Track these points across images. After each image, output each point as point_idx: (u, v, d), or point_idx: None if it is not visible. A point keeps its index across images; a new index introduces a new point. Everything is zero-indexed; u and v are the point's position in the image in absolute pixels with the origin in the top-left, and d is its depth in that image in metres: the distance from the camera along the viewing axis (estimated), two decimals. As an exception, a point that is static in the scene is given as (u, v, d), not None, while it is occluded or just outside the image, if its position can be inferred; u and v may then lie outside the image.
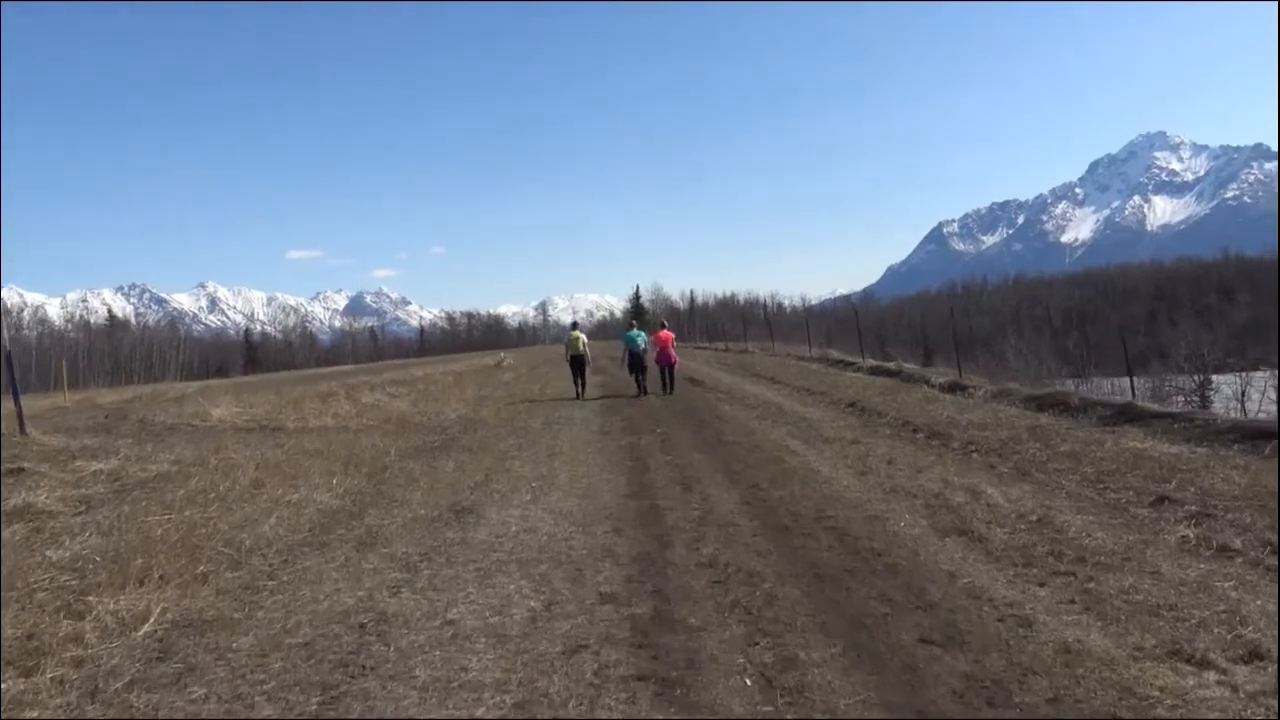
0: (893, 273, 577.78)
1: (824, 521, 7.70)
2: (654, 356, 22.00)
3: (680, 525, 7.65)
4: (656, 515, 8.07)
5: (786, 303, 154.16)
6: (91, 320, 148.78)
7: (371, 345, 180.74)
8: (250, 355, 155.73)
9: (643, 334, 22.99)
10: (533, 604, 5.56)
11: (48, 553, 6.73)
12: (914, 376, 19.91)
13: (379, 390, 23.84)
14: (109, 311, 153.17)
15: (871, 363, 24.32)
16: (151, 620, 5.16)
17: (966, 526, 7.27)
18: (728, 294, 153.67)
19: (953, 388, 17.37)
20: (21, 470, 10.39)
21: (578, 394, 21.98)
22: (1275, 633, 4.80)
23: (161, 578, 6.00)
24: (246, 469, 10.56)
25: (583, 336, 23.52)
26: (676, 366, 22.37)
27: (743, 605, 5.46)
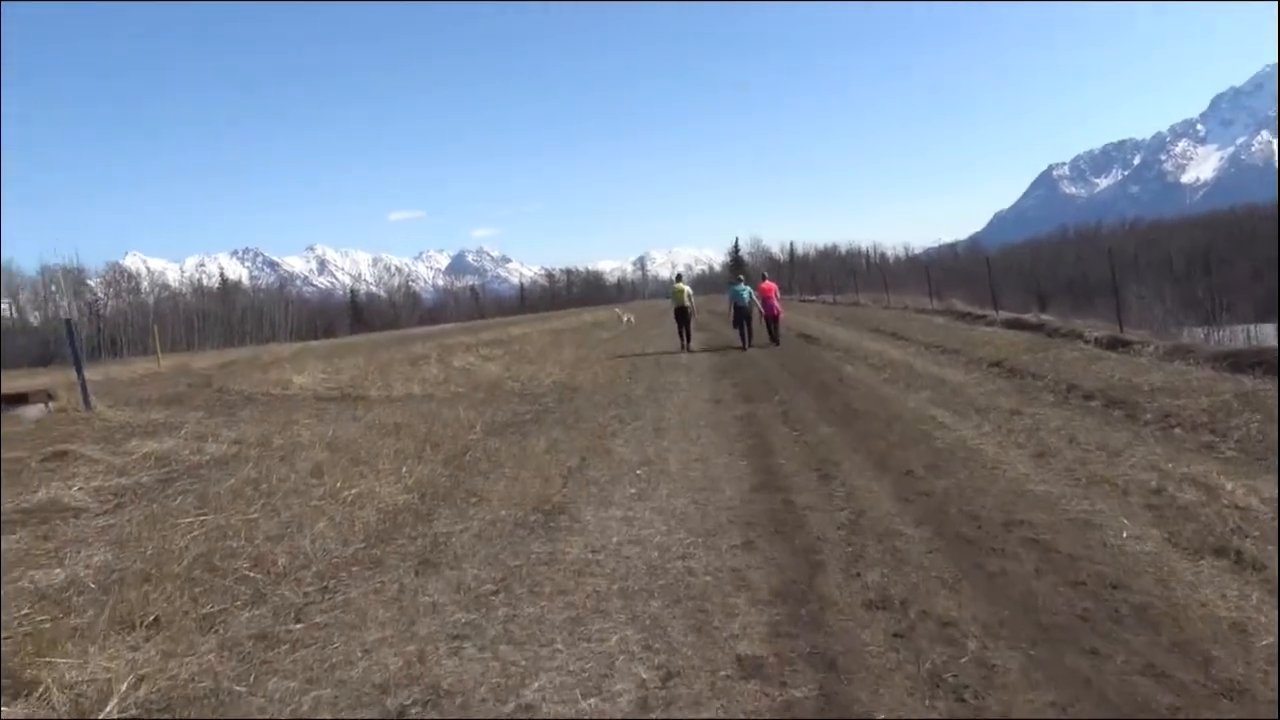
0: (1000, 219, 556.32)
1: (1015, 529, 5.87)
2: (759, 309, 22.18)
3: (827, 535, 5.92)
4: (794, 519, 6.35)
5: (890, 252, 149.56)
6: (204, 284, 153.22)
7: (472, 304, 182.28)
8: (356, 315, 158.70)
9: (748, 287, 22.92)
10: (643, 675, 3.92)
11: (36, 574, 5.40)
12: (1060, 331, 17.61)
13: (472, 352, 22.60)
14: (222, 275, 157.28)
15: (1006, 315, 21.96)
16: (113, 703, 3.69)
17: (1221, 542, 5.35)
18: (829, 245, 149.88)
19: (1113, 344, 15.11)
20: (65, 454, 9.26)
21: (683, 345, 22.74)
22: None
23: (156, 621, 4.57)
24: (311, 451, 9.22)
25: (687, 288, 24.28)
26: (781, 318, 22.58)
27: (948, 684, 3.73)
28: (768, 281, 23.24)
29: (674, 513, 6.62)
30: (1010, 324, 20.41)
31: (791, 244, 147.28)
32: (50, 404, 12.21)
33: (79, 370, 12.66)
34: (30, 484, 8.03)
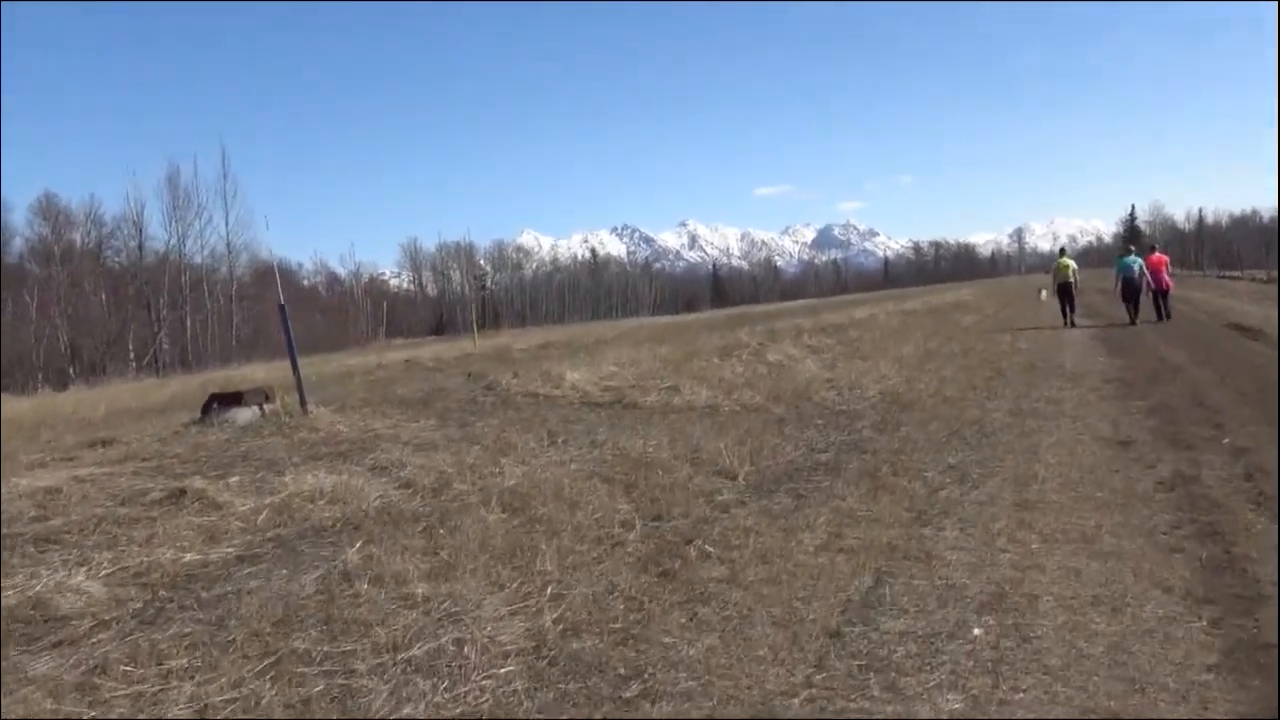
0: None
1: None
2: (1148, 282, 21.80)
3: None
4: None
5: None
6: (579, 259, 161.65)
7: (834, 278, 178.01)
8: (717, 290, 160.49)
9: (1139, 260, 22.31)
10: None
11: None
12: None
13: (797, 341, 19.04)
14: (593, 251, 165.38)
15: None
16: None
17: None
18: (1246, 211, 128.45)
19: None
20: (183, 492, 6.99)
21: (1067, 322, 22.08)
22: None
23: None
24: (484, 514, 6.22)
25: (1073, 264, 23.57)
26: (1170, 290, 22.17)
27: None
28: (1158, 254, 22.47)
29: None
30: None
31: (1200, 211, 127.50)
32: (266, 406, 10.35)
33: (294, 366, 10.72)
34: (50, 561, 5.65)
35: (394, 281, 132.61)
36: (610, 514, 6.21)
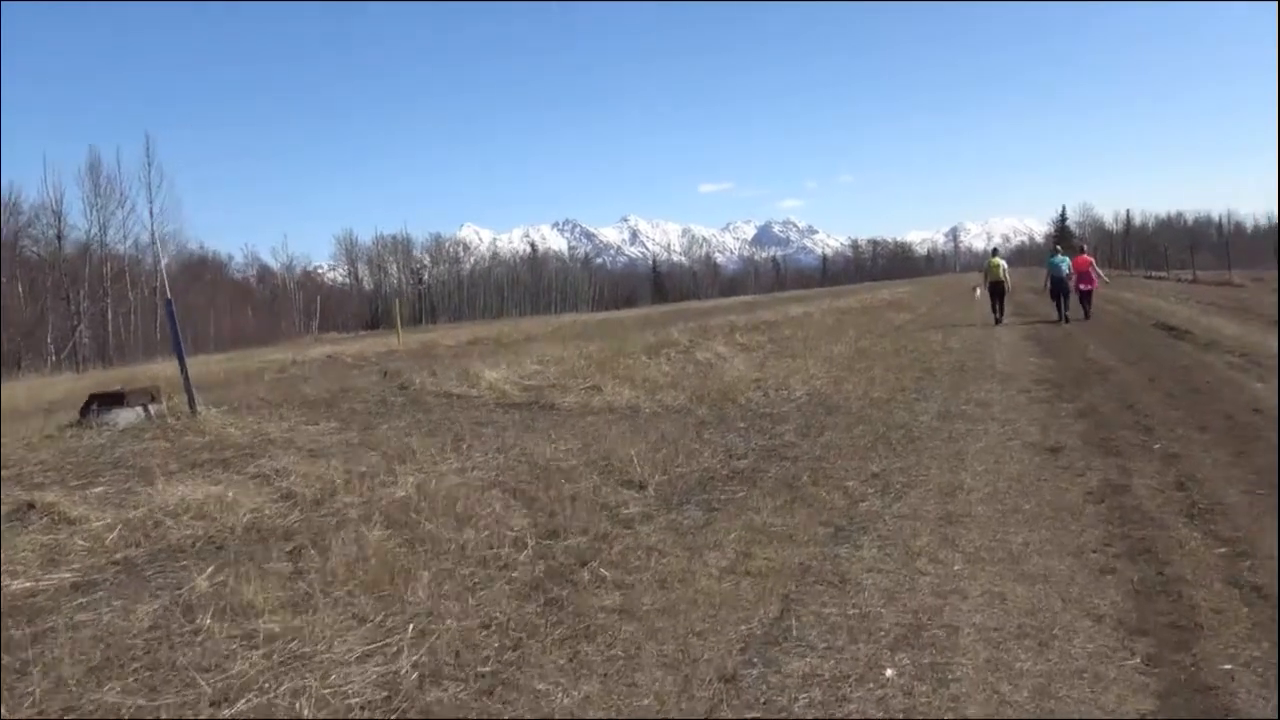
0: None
1: None
2: (1074, 282, 22.32)
3: None
4: None
5: (1248, 220, 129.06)
6: (519, 254, 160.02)
7: (774, 275, 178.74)
8: (657, 285, 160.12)
9: (1067, 259, 23.07)
10: None
11: None
12: None
13: (729, 339, 18.62)
14: (532, 246, 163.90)
15: None
16: None
17: None
18: (1171, 213, 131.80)
19: None
20: (31, 506, 6.27)
21: (998, 319, 22.58)
22: None
23: None
24: (366, 530, 5.62)
25: (1003, 263, 24.03)
26: (1095, 290, 22.83)
27: None
28: (1083, 256, 23.38)
29: None
30: None
31: (1128, 212, 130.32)
32: (152, 406, 9.58)
33: (181, 363, 9.95)
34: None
35: (331, 275, 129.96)
36: (503, 531, 5.66)
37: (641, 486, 6.83)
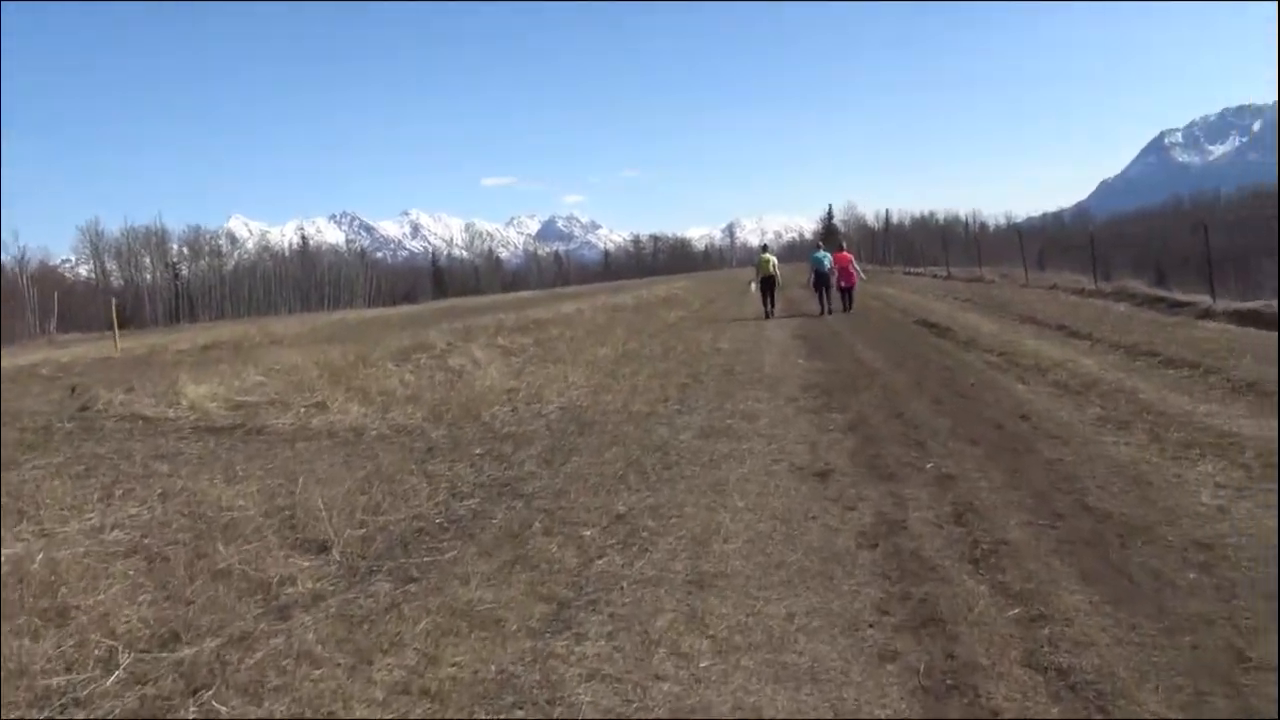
0: (1106, 187, 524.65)
1: None
2: (836, 277, 22.87)
3: None
4: None
5: (990, 221, 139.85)
6: (290, 247, 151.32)
7: (556, 270, 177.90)
8: (437, 280, 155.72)
9: (829, 255, 23.54)
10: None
11: None
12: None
13: (491, 342, 17.21)
14: (303, 239, 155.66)
15: (1233, 305, 15.58)
16: None
17: None
18: (925, 213, 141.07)
19: None
20: None
21: (769, 313, 23.05)
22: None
23: None
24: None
25: (773, 259, 24.41)
26: (855, 285, 23.43)
27: None
28: (844, 251, 23.96)
29: None
30: (1240, 317, 14.12)
31: (886, 212, 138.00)
32: None
33: None
34: None
35: (82, 269, 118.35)
36: (101, 635, 4.07)
37: (325, 548, 5.35)
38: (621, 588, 4.68)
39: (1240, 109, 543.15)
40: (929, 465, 7.03)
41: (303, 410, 10.33)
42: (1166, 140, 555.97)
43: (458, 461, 7.72)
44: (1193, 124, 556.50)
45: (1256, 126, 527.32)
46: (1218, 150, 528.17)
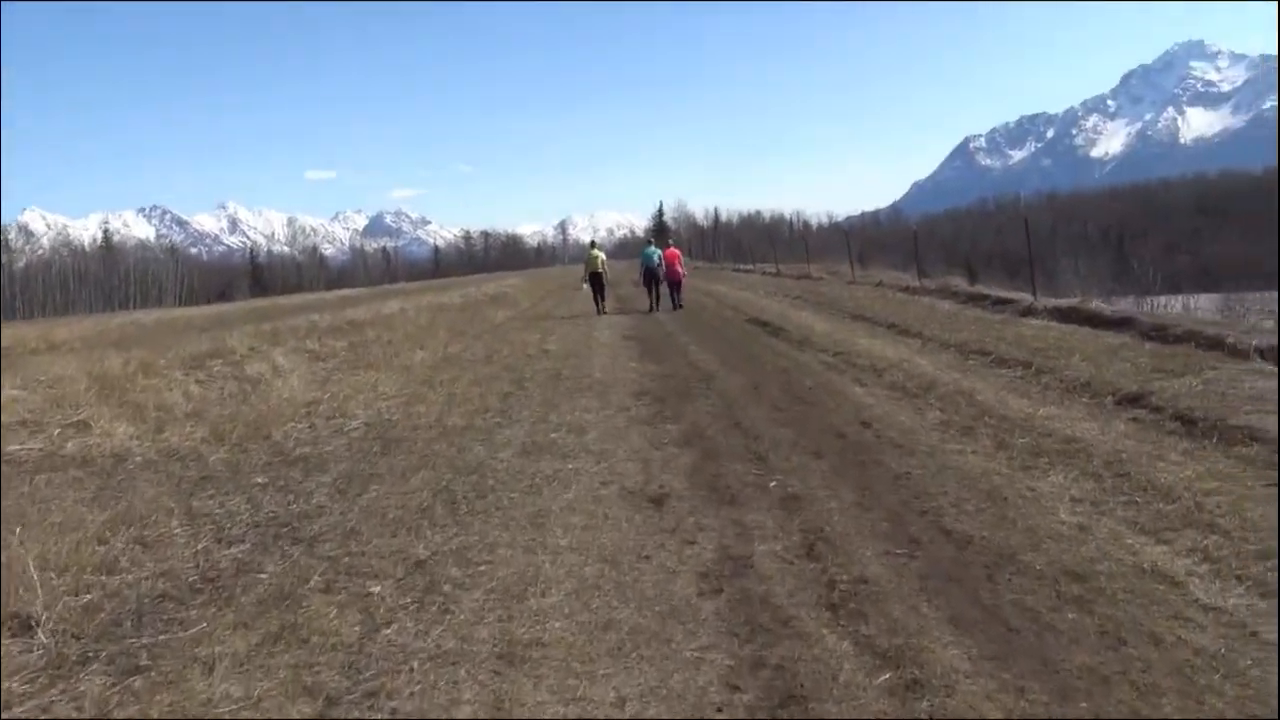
0: (919, 189, 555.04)
1: None
2: (664, 272, 23.01)
3: None
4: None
5: (813, 220, 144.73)
6: (93, 242, 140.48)
7: (384, 267, 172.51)
8: (256, 278, 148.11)
9: (659, 251, 23.80)
10: None
11: None
12: (1174, 330, 11.47)
13: (299, 345, 15.75)
14: (105, 233, 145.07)
15: (1054, 302, 15.81)
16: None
17: None
18: (752, 211, 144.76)
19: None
20: None
21: (599, 310, 23.09)
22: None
23: None
24: None
25: (602, 255, 24.48)
26: (683, 283, 23.72)
27: None
28: (671, 249, 24.28)
29: None
30: (1062, 314, 14.28)
31: (715, 210, 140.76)
32: None
33: None
34: None
35: None
36: None
37: (29, 627, 4.16)
38: (411, 668, 3.73)
39: (1035, 116, 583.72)
40: (773, 484, 6.37)
41: (58, 432, 8.82)
42: (971, 145, 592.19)
43: (233, 494, 6.54)
44: (994, 130, 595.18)
45: (1050, 133, 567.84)
46: (1016, 155, 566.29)
